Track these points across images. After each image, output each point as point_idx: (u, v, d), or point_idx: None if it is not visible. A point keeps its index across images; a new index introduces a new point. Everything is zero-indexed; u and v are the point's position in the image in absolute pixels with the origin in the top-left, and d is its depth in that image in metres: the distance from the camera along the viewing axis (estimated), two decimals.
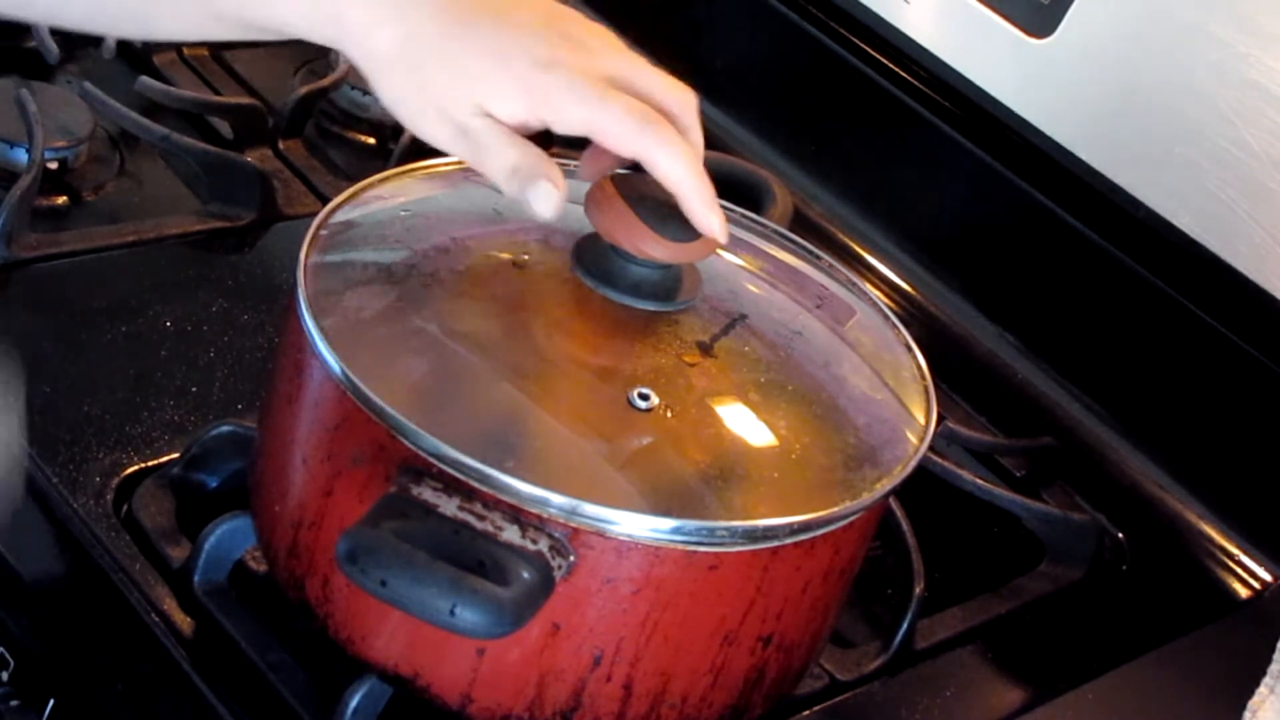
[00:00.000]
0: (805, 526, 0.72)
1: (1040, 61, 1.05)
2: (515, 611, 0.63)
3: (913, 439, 0.78)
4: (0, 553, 0.81)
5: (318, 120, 1.19)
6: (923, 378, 0.82)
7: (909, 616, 0.87)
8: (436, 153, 0.75)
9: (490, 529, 0.66)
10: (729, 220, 0.74)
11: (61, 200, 1.06)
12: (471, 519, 0.66)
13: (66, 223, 1.04)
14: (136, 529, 0.81)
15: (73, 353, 0.92)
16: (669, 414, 0.73)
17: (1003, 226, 1.12)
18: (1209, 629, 0.94)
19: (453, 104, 0.71)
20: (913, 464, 0.76)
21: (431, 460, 0.67)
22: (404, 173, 0.85)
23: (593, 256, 0.77)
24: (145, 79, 1.11)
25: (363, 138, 1.21)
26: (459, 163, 0.82)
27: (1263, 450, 0.99)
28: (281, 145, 1.14)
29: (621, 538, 0.69)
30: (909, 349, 0.83)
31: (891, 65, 1.15)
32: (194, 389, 0.91)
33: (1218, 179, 0.97)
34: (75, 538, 0.80)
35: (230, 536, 0.79)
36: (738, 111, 1.24)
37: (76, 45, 1.17)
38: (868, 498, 0.74)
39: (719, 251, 0.78)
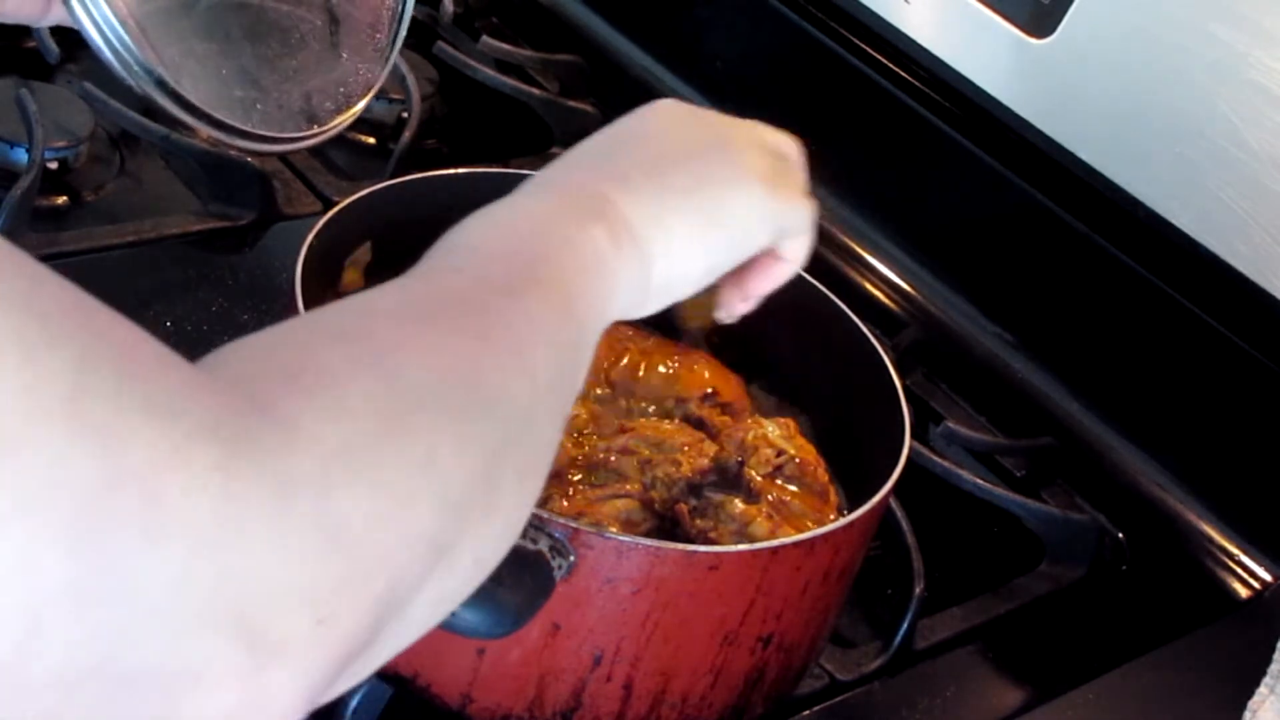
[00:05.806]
0: None
1: (1040, 61, 1.05)
2: (515, 612, 0.63)
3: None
4: None
5: None
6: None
7: (909, 616, 0.87)
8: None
9: None
10: None
11: (61, 200, 1.06)
12: None
13: (66, 223, 1.04)
14: None
15: None
16: None
17: (1002, 226, 1.12)
18: (1209, 629, 0.94)
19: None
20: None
21: None
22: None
23: None
24: None
25: (363, 138, 1.20)
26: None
27: (1263, 450, 0.99)
28: None
29: (621, 538, 0.69)
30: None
31: (891, 65, 1.15)
32: None
33: (1218, 179, 0.97)
34: None
35: None
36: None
37: (76, 45, 1.17)
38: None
39: None
